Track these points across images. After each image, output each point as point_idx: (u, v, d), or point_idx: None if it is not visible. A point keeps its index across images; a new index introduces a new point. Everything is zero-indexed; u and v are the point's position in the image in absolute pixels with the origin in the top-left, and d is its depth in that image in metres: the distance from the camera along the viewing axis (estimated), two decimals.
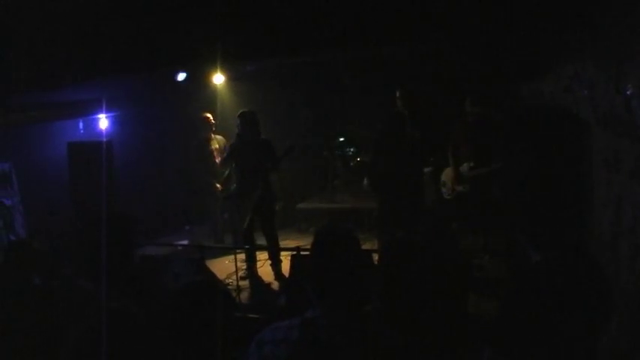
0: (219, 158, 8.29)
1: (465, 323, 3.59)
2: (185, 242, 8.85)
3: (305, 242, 7.82)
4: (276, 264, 7.04)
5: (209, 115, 8.53)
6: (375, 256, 4.03)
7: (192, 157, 8.64)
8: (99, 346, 2.31)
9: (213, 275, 5.87)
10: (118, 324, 2.36)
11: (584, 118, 4.19)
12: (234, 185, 7.50)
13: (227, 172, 8.06)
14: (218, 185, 8.26)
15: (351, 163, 9.75)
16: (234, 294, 6.25)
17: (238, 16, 5.29)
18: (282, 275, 6.83)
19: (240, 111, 7.17)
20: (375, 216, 7.15)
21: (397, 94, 6.99)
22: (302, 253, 5.94)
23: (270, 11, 5.27)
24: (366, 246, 6.52)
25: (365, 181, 7.27)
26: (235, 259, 6.84)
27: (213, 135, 8.56)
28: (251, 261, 7.22)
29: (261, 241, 7.40)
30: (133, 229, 2.94)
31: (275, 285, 6.90)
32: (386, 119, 6.95)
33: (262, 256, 7.46)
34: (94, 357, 2.30)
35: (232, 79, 8.81)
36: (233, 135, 7.42)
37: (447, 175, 7.31)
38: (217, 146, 8.50)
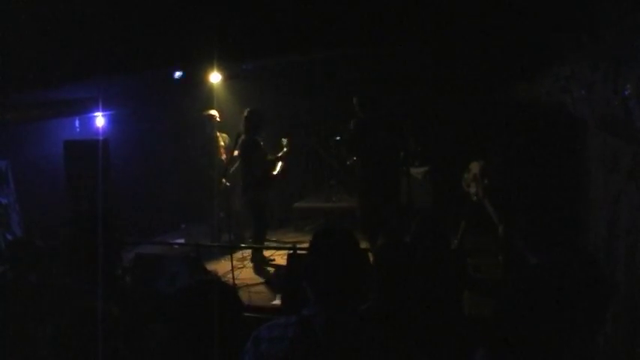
0: (225, 155, 8.30)
1: (461, 322, 3.59)
2: (181, 241, 8.84)
3: (301, 241, 7.83)
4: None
5: (213, 112, 8.51)
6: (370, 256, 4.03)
7: (199, 154, 8.63)
8: (76, 342, 2.31)
9: (216, 274, 5.88)
10: (95, 322, 2.37)
11: (582, 118, 4.19)
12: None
13: (232, 169, 8.05)
14: (224, 180, 8.21)
15: (347, 162, 9.75)
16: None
17: (235, 14, 5.28)
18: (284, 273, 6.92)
19: (249, 110, 7.39)
20: (357, 216, 7.27)
21: (354, 101, 7.03)
22: (298, 252, 5.95)
23: (267, 10, 5.26)
24: (361, 245, 6.53)
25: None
26: (231, 257, 6.84)
27: (218, 133, 8.56)
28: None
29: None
30: (115, 229, 2.93)
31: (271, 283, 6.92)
32: (349, 127, 7.10)
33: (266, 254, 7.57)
34: (70, 353, 2.31)
35: (229, 77, 8.79)
36: (231, 133, 7.50)
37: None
38: (222, 143, 8.50)
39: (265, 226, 7.54)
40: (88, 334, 2.37)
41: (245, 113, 7.30)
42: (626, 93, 2.64)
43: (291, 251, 6.12)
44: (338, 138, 9.88)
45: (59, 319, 2.56)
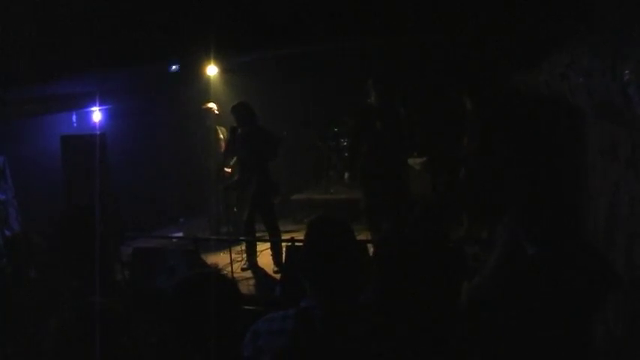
0: (224, 148, 8.27)
1: (460, 313, 3.58)
2: (180, 234, 8.84)
3: (300, 233, 7.82)
4: (276, 254, 7.05)
5: (212, 105, 8.49)
6: (370, 247, 4.02)
7: (198, 147, 8.60)
8: (78, 338, 2.30)
9: (214, 267, 5.88)
10: (96, 317, 2.36)
11: (580, 106, 4.17)
12: (236, 176, 7.53)
13: (234, 161, 8.00)
14: (227, 170, 8.19)
15: (346, 154, 9.74)
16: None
17: (231, 6, 5.25)
18: (283, 265, 6.85)
19: (232, 105, 7.18)
20: (361, 208, 7.20)
21: (369, 87, 6.94)
22: (297, 244, 5.94)
23: (264, 1, 5.23)
24: (361, 237, 6.53)
25: (345, 175, 7.37)
26: (230, 250, 6.83)
27: (217, 126, 8.53)
28: (250, 252, 7.23)
29: (260, 232, 7.51)
30: (113, 223, 2.92)
31: (270, 276, 6.90)
32: (355, 114, 7.02)
33: (259, 247, 7.48)
34: (73, 348, 2.30)
35: (226, 70, 8.77)
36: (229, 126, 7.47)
37: None
38: (222, 136, 8.48)
39: (245, 217, 7.31)
40: (91, 329, 2.36)
41: (231, 108, 7.20)
42: (625, 79, 2.61)
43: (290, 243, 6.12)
44: (336, 130, 9.90)
45: (61, 314, 2.55)
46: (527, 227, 2.68)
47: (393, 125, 6.71)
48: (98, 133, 8.35)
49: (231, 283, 2.44)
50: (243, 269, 7.10)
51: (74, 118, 9.27)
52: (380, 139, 6.69)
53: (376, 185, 6.81)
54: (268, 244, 7.33)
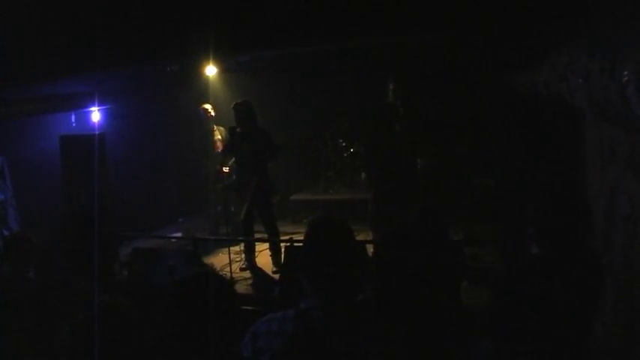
0: (222, 149, 8.26)
1: (459, 312, 3.59)
2: (179, 234, 8.83)
3: (299, 233, 7.81)
4: (275, 254, 7.04)
5: (207, 106, 8.49)
6: (369, 248, 4.03)
7: (195, 148, 8.60)
8: (92, 338, 2.30)
9: (212, 267, 5.88)
10: (108, 316, 2.36)
11: (579, 107, 4.17)
12: (234, 176, 7.52)
13: (232, 161, 7.98)
14: (225, 169, 8.15)
15: (344, 154, 9.74)
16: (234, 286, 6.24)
17: (230, 5, 5.25)
18: (282, 266, 6.83)
19: (234, 103, 7.15)
20: (370, 209, 7.15)
21: (390, 86, 6.89)
22: (296, 244, 5.94)
23: (263, 1, 5.23)
24: (360, 237, 6.53)
25: (362, 175, 7.31)
26: (229, 250, 6.83)
27: (215, 126, 8.52)
28: (249, 252, 7.22)
29: (260, 231, 7.50)
30: (109, 224, 2.92)
31: (269, 276, 6.90)
32: (374, 111, 6.95)
33: (258, 247, 7.47)
34: (87, 348, 2.30)
35: (225, 70, 8.76)
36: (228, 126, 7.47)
37: None
38: (220, 137, 8.47)
39: (243, 217, 7.25)
40: (105, 328, 2.37)
41: (233, 106, 7.15)
42: (624, 80, 2.62)
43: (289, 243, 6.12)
44: (335, 130, 9.89)
45: (74, 314, 2.55)
46: (529, 228, 2.69)
47: (411, 125, 6.65)
48: (97, 133, 8.34)
49: (227, 282, 2.44)
50: (241, 269, 7.10)
51: (73, 118, 9.26)
52: (398, 139, 6.63)
53: (391, 187, 6.74)
54: (267, 245, 7.31)
